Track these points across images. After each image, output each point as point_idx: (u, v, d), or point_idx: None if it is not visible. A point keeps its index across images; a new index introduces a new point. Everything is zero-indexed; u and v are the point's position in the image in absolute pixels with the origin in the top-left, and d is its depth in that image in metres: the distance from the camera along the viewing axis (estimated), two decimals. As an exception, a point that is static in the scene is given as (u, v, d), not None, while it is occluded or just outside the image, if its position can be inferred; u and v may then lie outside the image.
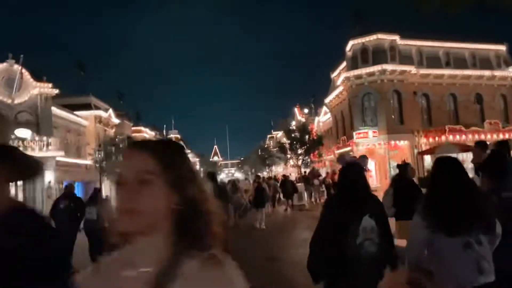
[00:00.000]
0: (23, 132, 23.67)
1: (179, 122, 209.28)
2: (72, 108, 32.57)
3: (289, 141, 29.63)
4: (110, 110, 38.01)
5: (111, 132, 35.03)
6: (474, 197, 2.53)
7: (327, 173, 33.89)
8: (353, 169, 3.09)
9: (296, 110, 49.53)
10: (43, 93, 25.90)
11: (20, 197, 25.21)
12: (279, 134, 69.84)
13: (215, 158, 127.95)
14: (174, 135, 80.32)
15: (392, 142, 25.32)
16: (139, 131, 51.12)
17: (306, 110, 37.64)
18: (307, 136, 28.71)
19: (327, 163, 35.72)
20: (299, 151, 29.51)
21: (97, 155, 24.41)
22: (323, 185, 24.12)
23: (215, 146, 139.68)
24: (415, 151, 25.17)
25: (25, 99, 25.09)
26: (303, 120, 38.04)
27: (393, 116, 25.33)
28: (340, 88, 29.31)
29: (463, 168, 2.65)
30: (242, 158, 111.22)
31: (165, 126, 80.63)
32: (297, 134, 29.13)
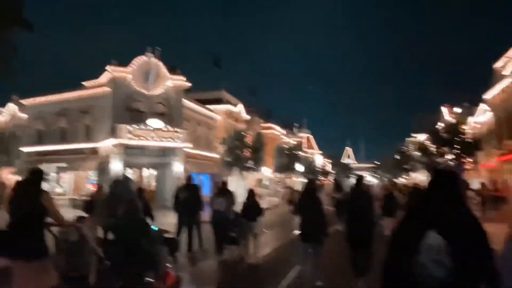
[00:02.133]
0: (155, 122, 24.38)
1: (310, 122, 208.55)
2: (204, 102, 33.23)
3: (435, 145, 24.79)
4: (241, 105, 37.99)
5: (241, 127, 34.75)
6: None
7: (482, 184, 27.82)
8: (448, 178, 2.53)
9: (444, 109, 42.83)
10: (176, 85, 26.48)
11: (153, 186, 26.33)
12: (420, 136, 62.59)
13: (347, 160, 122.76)
14: (305, 134, 78.87)
15: None
16: (269, 128, 50.70)
17: (456, 109, 31.60)
18: (458, 139, 23.56)
19: (483, 173, 29.42)
20: (448, 156, 24.48)
21: (220, 148, 23.79)
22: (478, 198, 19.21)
23: (347, 148, 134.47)
24: None
25: (161, 91, 25.91)
26: (453, 120, 32.11)
27: None
28: (510, 80, 23.41)
29: None
30: (377, 162, 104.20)
31: (298, 125, 79.88)
32: (445, 135, 24.17)
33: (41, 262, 4.17)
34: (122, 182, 8.18)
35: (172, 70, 26.70)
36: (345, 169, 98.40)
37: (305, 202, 6.57)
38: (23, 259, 4.07)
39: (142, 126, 23.99)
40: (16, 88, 30.12)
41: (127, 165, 24.63)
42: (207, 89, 36.51)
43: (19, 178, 22.97)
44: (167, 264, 5.20)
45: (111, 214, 6.05)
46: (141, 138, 23.90)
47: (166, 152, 25.66)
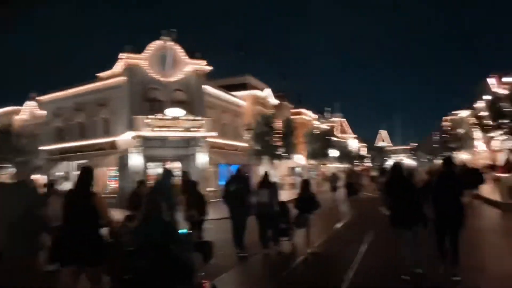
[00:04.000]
0: (175, 111, 22.48)
1: (344, 106, 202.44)
2: (228, 88, 31.10)
3: (492, 116, 21.47)
4: (268, 90, 35.59)
5: (269, 113, 32.40)
6: None
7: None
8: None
9: (491, 80, 38.77)
10: (196, 70, 24.42)
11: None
12: (463, 113, 58.05)
13: (381, 143, 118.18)
14: (338, 118, 75.62)
15: None
16: (299, 113, 48.08)
17: (507, 79, 27.79)
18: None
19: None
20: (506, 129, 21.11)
21: (247, 136, 21.62)
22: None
23: (380, 131, 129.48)
24: None
25: (180, 77, 23.96)
26: (504, 92, 28.39)
27: None
28: None
29: None
30: (415, 144, 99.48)
31: (330, 109, 76.67)
32: (506, 105, 20.88)
33: (97, 268, 4.18)
34: (164, 175, 7.90)
35: (191, 54, 24.67)
36: (381, 153, 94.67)
37: (397, 186, 6.48)
38: (82, 266, 4.11)
39: (161, 116, 22.14)
40: (33, 85, 29.16)
41: (148, 158, 22.95)
42: (231, 75, 34.33)
43: (42, 177, 21.92)
44: (201, 273, 4.57)
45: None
46: (161, 129, 22.09)
47: (190, 143, 23.81)
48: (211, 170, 25.78)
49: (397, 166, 7.04)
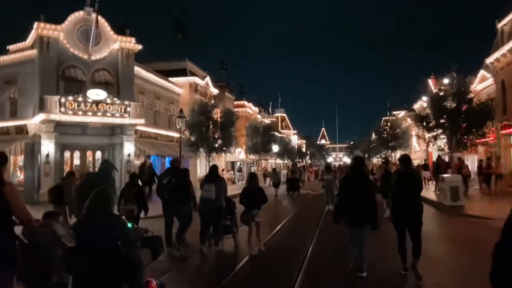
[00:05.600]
0: (97, 93, 19.57)
1: (285, 102, 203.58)
2: (165, 74, 28.48)
3: (433, 114, 20.89)
4: (208, 78, 33.31)
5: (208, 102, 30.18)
6: None
7: (481, 161, 24.51)
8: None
9: (430, 81, 39.50)
10: (124, 48, 21.58)
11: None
12: (401, 114, 59.61)
13: (323, 141, 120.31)
14: (280, 113, 74.89)
15: None
16: (242, 106, 46.42)
17: (446, 81, 27.76)
18: (464, 107, 19.77)
19: (479, 149, 26.15)
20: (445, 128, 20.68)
21: (180, 125, 19.26)
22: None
23: (323, 129, 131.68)
24: None
25: (104, 55, 21.02)
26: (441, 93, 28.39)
27: None
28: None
29: None
30: (352, 142, 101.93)
31: (271, 103, 75.68)
32: (448, 104, 20.38)
33: (8, 274, 3.42)
34: (104, 167, 7.57)
35: (120, 30, 21.81)
36: (320, 150, 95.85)
37: (354, 184, 6.26)
38: None
39: (80, 98, 19.14)
40: None
41: (64, 147, 19.89)
42: (168, 59, 31.59)
43: None
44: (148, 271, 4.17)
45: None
46: (79, 113, 19.10)
47: (115, 131, 21.04)
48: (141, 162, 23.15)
49: (358, 161, 6.76)
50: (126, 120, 20.33)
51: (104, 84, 20.85)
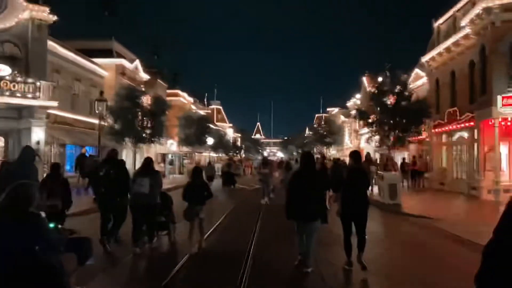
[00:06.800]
0: (0, 68, 16.47)
1: (221, 94, 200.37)
2: (89, 54, 25.44)
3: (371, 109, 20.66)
4: (137, 62, 30.59)
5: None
6: None
7: (403, 159, 24.96)
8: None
9: (364, 80, 40.05)
10: (35, 18, 18.51)
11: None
12: (335, 111, 60.70)
13: (257, 136, 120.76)
14: (215, 105, 73.07)
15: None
16: (176, 95, 43.89)
17: (380, 79, 27.95)
18: (403, 103, 19.65)
19: (410, 147, 26.62)
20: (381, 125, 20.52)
21: (100, 110, 16.84)
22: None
23: (258, 123, 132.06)
24: None
25: (11, 24, 17.85)
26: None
27: None
28: (456, 38, 20.04)
29: None
30: (286, 138, 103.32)
31: (206, 94, 73.35)
32: (387, 100, 20.15)
33: None
34: (25, 155, 6.66)
35: (32, -2, 18.66)
36: (256, 144, 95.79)
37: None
38: None
39: (-24, 72, 15.94)
40: None
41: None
42: (92, 38, 28.38)
43: None
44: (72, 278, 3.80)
45: None
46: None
47: (22, 114, 18.03)
48: (54, 152, 20.24)
49: (308, 156, 6.70)
50: (35, 102, 17.41)
51: (10, 58, 17.72)
